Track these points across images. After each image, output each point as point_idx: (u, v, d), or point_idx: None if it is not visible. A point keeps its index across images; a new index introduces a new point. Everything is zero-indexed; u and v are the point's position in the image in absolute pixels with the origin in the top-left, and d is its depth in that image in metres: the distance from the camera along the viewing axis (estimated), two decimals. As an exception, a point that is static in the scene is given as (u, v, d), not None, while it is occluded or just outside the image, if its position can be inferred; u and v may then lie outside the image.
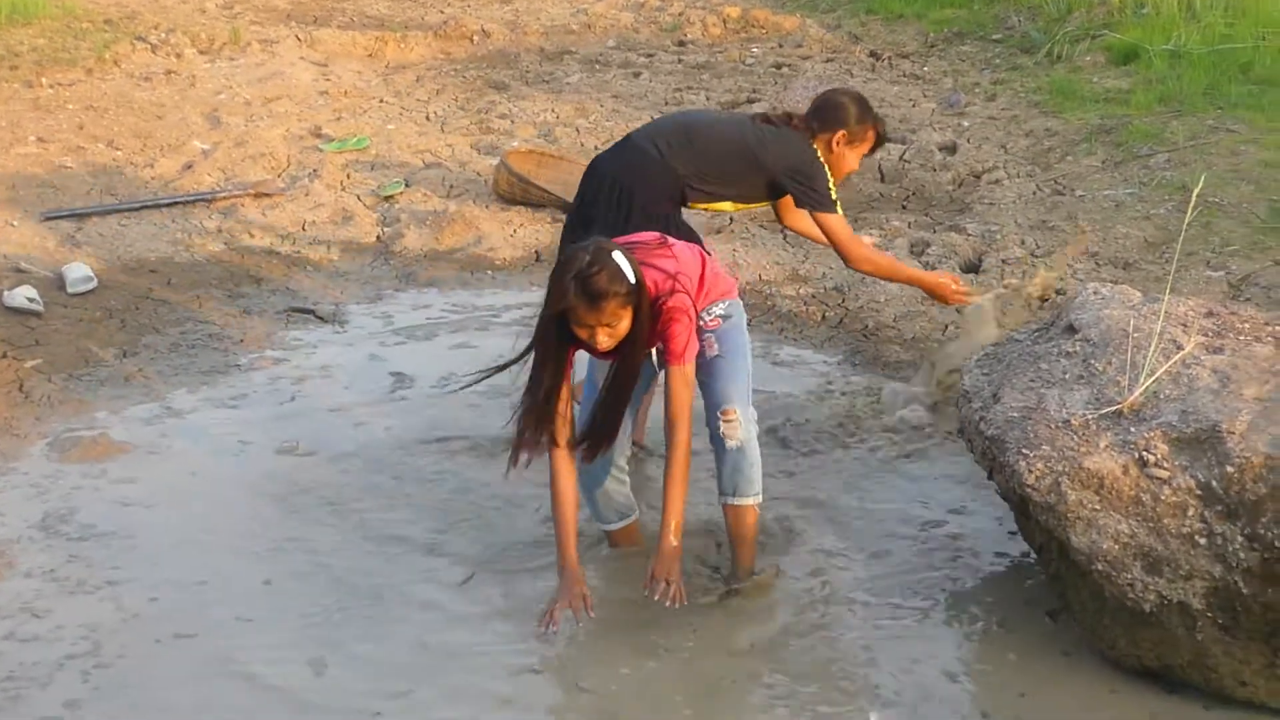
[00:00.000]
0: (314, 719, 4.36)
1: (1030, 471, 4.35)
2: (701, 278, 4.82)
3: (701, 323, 4.78)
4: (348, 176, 9.43)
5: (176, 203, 8.79)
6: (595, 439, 4.71)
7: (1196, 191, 5.72)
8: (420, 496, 5.66)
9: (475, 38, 13.21)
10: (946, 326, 6.95)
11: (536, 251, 8.22)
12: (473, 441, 6.03)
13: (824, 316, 7.27)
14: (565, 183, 8.91)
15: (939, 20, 13.21)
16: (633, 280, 4.42)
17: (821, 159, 5.73)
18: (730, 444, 4.74)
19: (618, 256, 4.42)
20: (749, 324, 5.05)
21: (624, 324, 4.45)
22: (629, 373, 4.63)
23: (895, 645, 4.66)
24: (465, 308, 7.57)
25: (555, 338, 4.53)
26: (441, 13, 14.24)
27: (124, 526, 5.40)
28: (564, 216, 8.32)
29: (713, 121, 6.08)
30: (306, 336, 7.22)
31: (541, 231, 8.43)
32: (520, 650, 4.61)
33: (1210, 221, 7.86)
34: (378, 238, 8.53)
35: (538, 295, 7.47)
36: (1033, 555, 4.96)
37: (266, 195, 8.94)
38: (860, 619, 4.82)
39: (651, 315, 4.53)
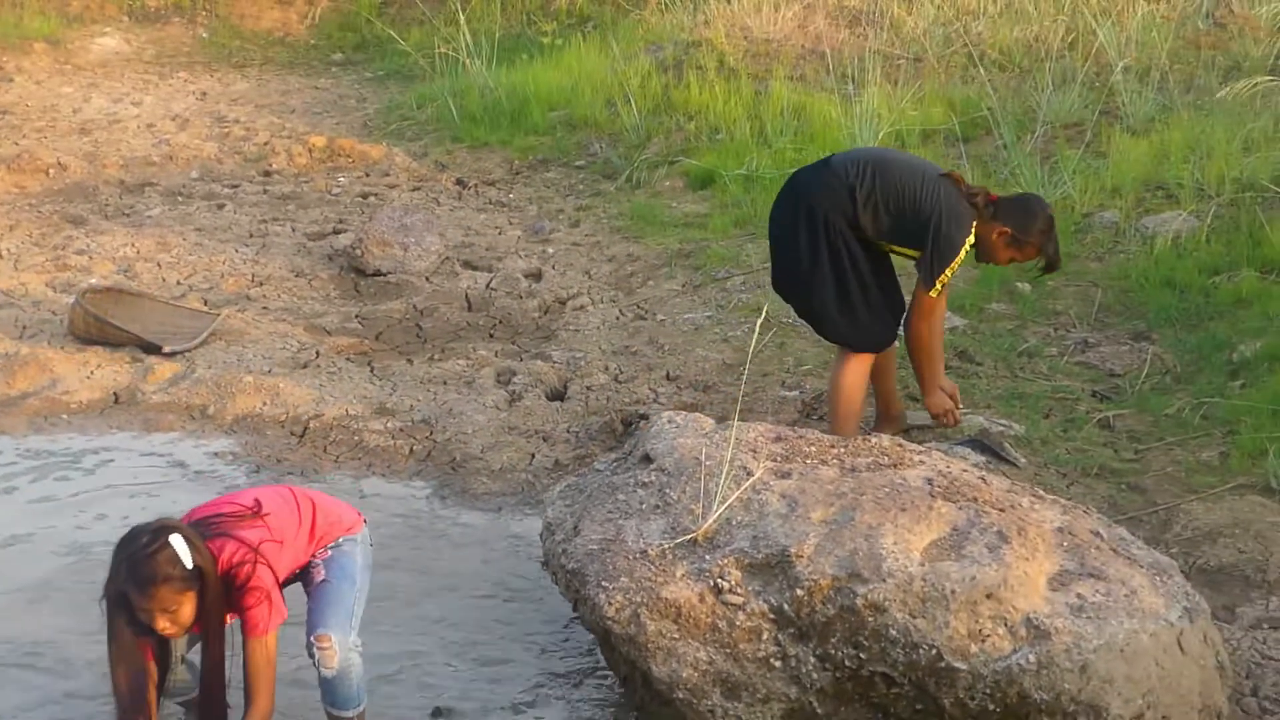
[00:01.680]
0: None
1: (610, 604, 4.38)
2: (312, 528, 4.68)
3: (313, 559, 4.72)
4: (-92, 319, 8.89)
5: None
6: None
7: (764, 313, 5.94)
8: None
9: (51, 170, 12.69)
10: (533, 456, 6.98)
11: (115, 393, 7.88)
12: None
13: (412, 450, 7.20)
14: (145, 321, 8.63)
15: (524, 148, 13.41)
16: (189, 566, 4.19)
17: (972, 239, 5.98)
18: (325, 671, 4.52)
19: (176, 540, 4.19)
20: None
21: (186, 609, 4.22)
22: (214, 658, 4.40)
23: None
24: (40, 454, 7.19)
25: (127, 625, 4.25)
26: (16, 144, 13.64)
27: None
28: (143, 357, 8.09)
29: (904, 160, 6.27)
30: None
31: (120, 372, 8.09)
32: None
33: (784, 342, 8.17)
34: (-58, 385, 8.05)
35: (117, 439, 7.27)
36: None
37: None
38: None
39: (225, 591, 4.33)
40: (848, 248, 6.12)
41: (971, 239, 6.04)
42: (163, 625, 4.20)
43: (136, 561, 4.14)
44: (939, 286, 6.04)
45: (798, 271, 6.29)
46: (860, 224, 6.08)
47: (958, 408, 6.60)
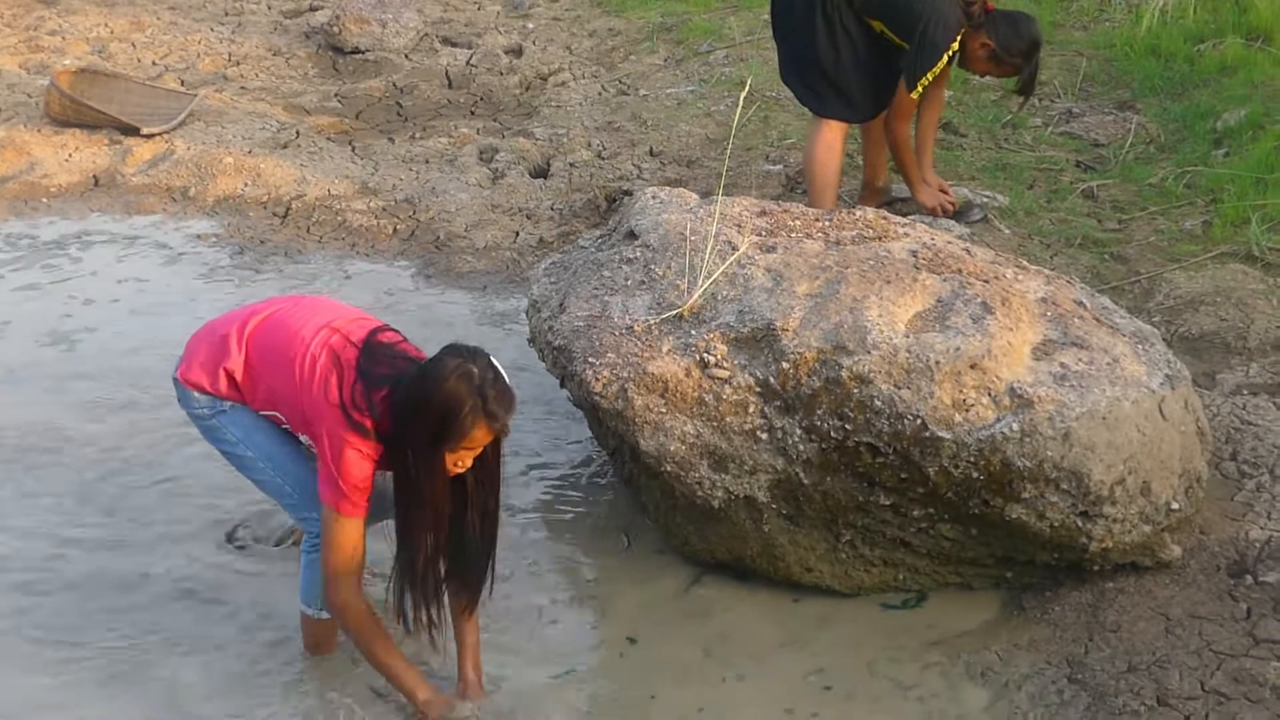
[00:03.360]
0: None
1: (597, 380, 4.37)
2: None
3: None
4: (-121, 103, 8.74)
5: None
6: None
7: (748, 87, 5.86)
8: None
9: (21, -52, 12.39)
10: (517, 234, 6.94)
11: (95, 176, 7.79)
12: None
13: (395, 230, 7.15)
14: (121, 102, 8.48)
15: (502, -81, 13.08)
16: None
17: (957, 45, 5.97)
18: None
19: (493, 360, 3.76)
20: None
21: None
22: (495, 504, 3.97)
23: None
24: (22, 239, 7.12)
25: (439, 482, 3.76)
26: (-21, -79, 13.29)
27: None
28: (121, 138, 7.97)
29: None
30: None
31: (99, 154, 7.99)
32: None
33: (768, 115, 8.08)
34: (-81, 168, 7.94)
35: (98, 222, 7.21)
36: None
37: None
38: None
39: None
40: (841, 17, 6.08)
41: (956, 45, 6.01)
42: (470, 459, 3.77)
43: (501, 391, 3.67)
44: (919, 88, 6.03)
45: (794, 35, 6.27)
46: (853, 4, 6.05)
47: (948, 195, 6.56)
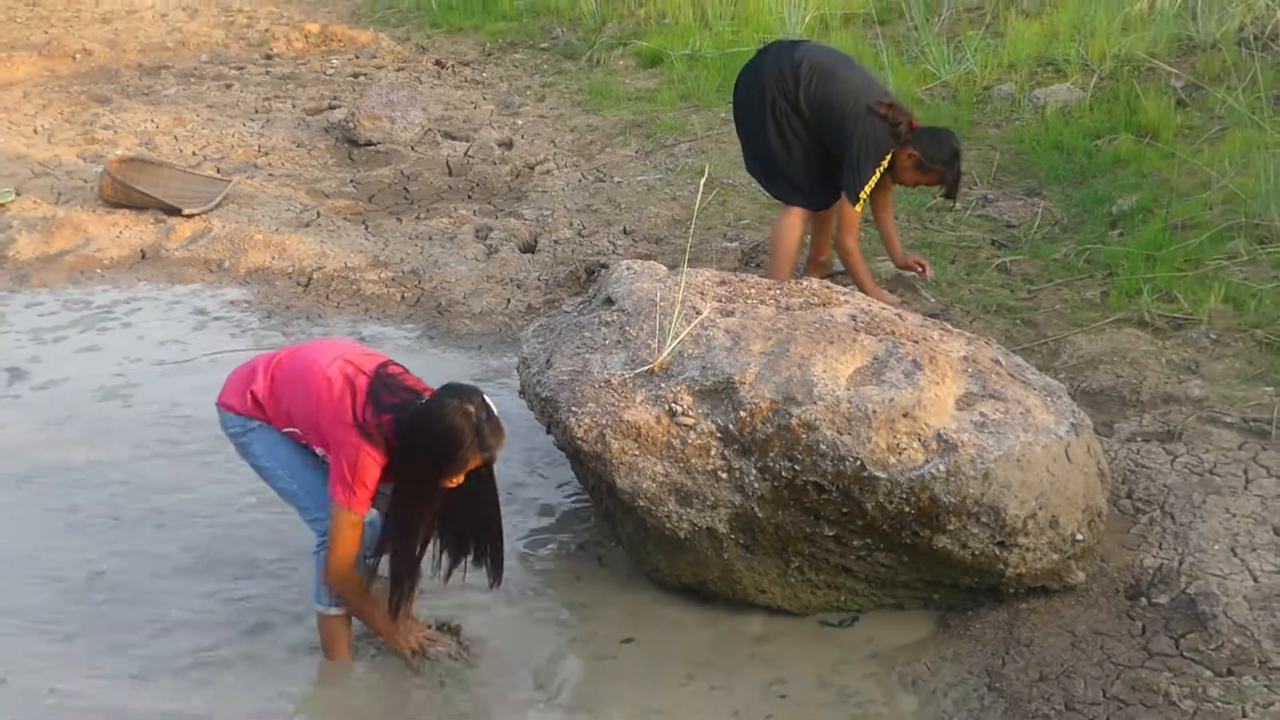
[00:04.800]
0: None
1: (579, 426, 4.37)
2: None
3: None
4: (-42, 188, 8.70)
5: None
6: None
7: (706, 174, 5.88)
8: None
9: (78, 56, 12.36)
10: (509, 301, 6.94)
11: (141, 250, 7.76)
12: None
13: (403, 297, 7.14)
14: (165, 187, 8.50)
15: (494, 32, 13.14)
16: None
17: (887, 161, 5.95)
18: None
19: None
20: None
21: None
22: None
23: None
24: (78, 305, 7.09)
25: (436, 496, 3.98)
26: (45, 33, 13.25)
27: None
28: (165, 218, 7.96)
29: (845, 78, 6.08)
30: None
31: (145, 231, 7.97)
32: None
33: (726, 200, 8.10)
34: (-10, 245, 7.90)
35: (145, 290, 7.18)
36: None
37: None
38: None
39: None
40: (789, 122, 6.09)
41: (886, 162, 6.00)
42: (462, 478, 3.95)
43: (496, 425, 3.87)
44: (861, 201, 6.01)
45: (750, 136, 6.30)
46: (799, 109, 6.06)
47: (925, 270, 6.52)
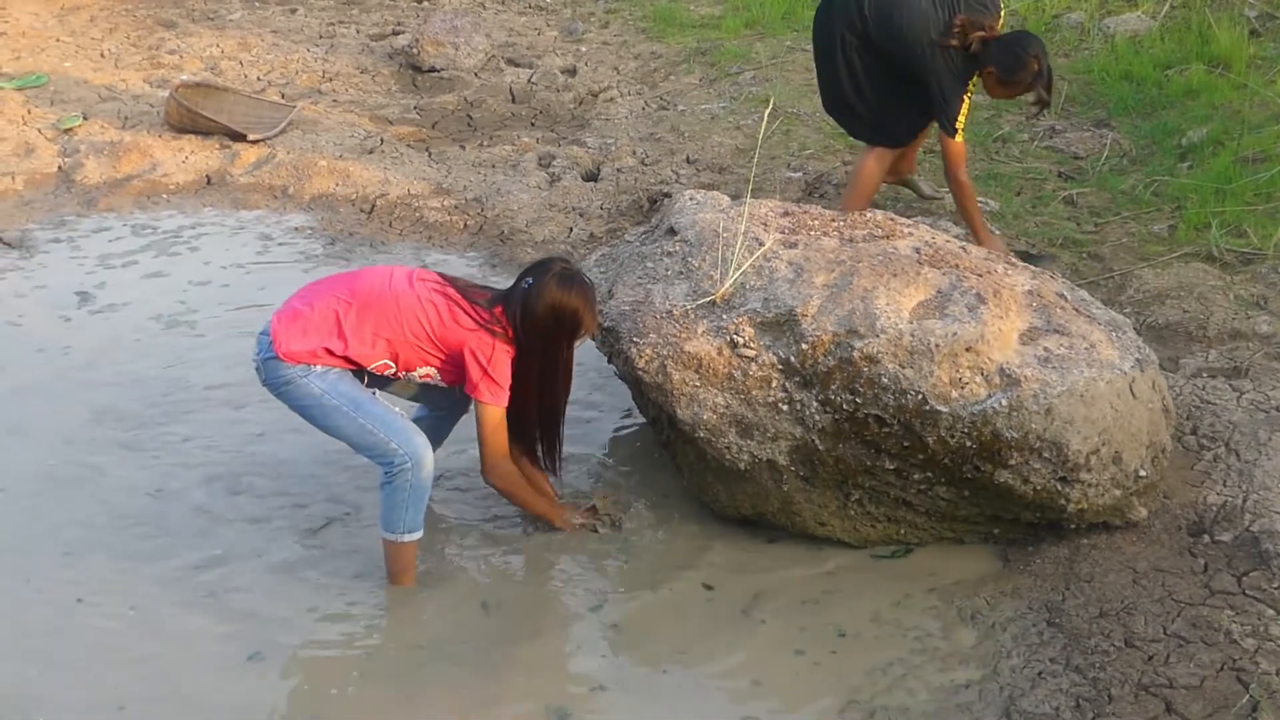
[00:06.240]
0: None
1: (640, 356, 4.36)
2: None
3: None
4: (28, 112, 8.73)
5: None
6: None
7: (771, 104, 5.81)
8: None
9: (142, -22, 12.39)
10: (571, 230, 6.92)
11: (207, 175, 7.80)
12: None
13: (466, 225, 7.14)
14: (230, 112, 8.51)
15: (559, -43, 13.03)
16: None
17: (973, 85, 5.81)
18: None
19: None
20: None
21: None
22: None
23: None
24: (145, 230, 7.14)
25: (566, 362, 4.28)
26: (109, -45, 13.30)
27: None
28: (230, 143, 7.99)
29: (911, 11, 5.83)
30: (-12, 263, 6.71)
31: (211, 157, 8.00)
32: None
33: (790, 129, 8.02)
34: (59, 168, 7.94)
35: (210, 216, 7.22)
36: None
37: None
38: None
39: None
40: (861, 59, 5.96)
41: (972, 86, 5.81)
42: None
43: (589, 283, 4.21)
44: (959, 132, 5.82)
45: (826, 81, 6.20)
46: (871, 46, 5.91)
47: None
